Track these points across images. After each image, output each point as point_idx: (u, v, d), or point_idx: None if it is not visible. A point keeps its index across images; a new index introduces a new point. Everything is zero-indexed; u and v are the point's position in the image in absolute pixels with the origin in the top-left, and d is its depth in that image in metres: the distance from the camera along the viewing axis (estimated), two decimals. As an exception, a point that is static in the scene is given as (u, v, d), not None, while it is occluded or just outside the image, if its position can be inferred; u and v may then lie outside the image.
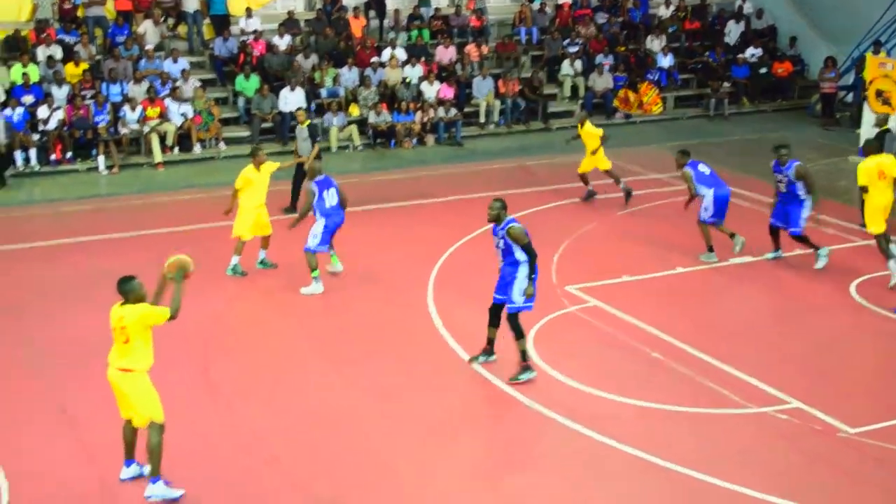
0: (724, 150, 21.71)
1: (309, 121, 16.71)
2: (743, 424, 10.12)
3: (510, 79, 24.49)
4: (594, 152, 17.72)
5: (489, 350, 11.14)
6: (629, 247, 15.43)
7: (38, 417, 10.05)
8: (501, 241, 10.68)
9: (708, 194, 14.75)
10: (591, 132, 17.81)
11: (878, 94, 20.44)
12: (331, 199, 13.59)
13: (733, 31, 28.08)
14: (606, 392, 10.62)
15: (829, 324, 12.76)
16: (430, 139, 22.89)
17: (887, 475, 9.21)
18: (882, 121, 18.31)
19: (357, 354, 11.63)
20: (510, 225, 10.60)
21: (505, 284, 10.74)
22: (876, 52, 23.24)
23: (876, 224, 13.68)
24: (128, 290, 8.45)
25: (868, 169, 13.65)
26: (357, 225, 15.94)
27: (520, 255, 10.60)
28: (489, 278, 10.97)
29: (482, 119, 24.02)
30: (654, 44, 26.90)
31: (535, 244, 10.66)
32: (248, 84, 22.40)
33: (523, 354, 10.81)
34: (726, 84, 26.40)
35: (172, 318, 8.37)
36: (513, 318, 10.71)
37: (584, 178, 17.93)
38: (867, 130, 17.90)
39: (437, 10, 26.44)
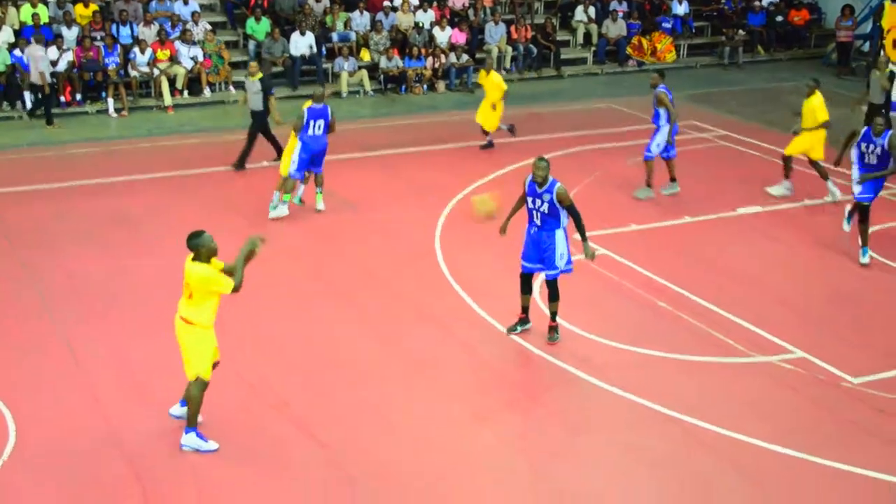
0: (738, 99, 21.56)
1: (261, 73, 16.35)
2: (748, 374, 10.16)
3: (523, 25, 24.27)
4: (494, 106, 17.36)
5: (525, 319, 10.77)
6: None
7: (47, 360, 10.11)
8: (546, 204, 10.09)
9: (665, 129, 14.72)
10: (495, 83, 17.43)
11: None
12: (316, 128, 13.88)
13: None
14: (612, 340, 10.65)
15: (836, 275, 12.72)
16: (440, 85, 22.75)
17: (889, 425, 9.24)
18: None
19: (364, 299, 11.67)
20: (558, 185, 10.10)
21: (541, 252, 10.33)
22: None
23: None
24: (197, 244, 8.14)
25: None
26: (365, 170, 16.00)
27: (562, 217, 10.19)
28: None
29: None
30: (670, -10, 26.61)
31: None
32: (259, 27, 22.25)
33: (554, 315, 10.62)
34: (741, 32, 26.13)
35: (235, 290, 8.15)
36: (554, 283, 10.44)
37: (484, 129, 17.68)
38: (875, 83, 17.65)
39: (450, -47, 26.14)
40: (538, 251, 10.36)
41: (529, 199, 10.25)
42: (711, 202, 15.02)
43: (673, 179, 15.15)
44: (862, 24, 25.72)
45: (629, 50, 25.36)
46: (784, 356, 10.42)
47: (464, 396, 9.60)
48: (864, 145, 12.90)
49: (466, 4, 24.68)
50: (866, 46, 25.58)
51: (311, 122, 13.84)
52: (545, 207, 10.13)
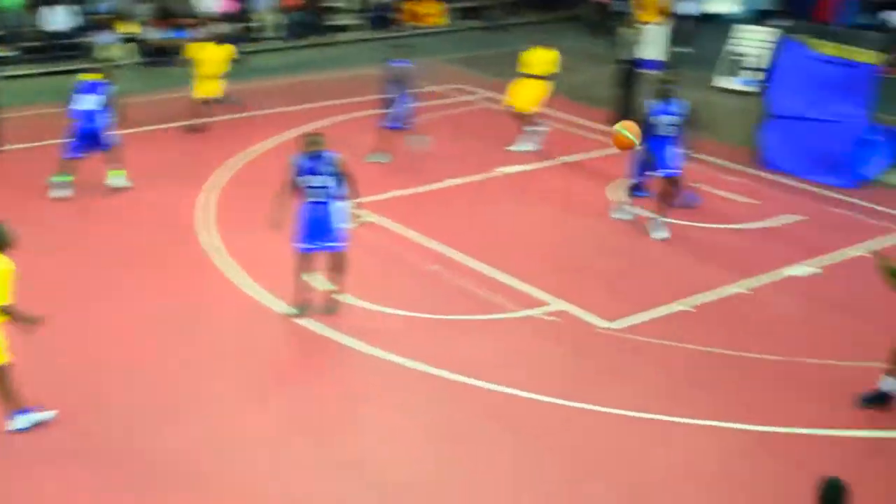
0: (504, 61, 22.12)
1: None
2: (512, 328, 10.60)
3: (293, -8, 24.14)
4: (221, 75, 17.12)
5: (308, 300, 10.60)
6: (399, 161, 15.56)
7: None
8: (326, 177, 10.05)
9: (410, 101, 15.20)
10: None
11: (643, 3, 21.18)
12: (83, 103, 13.39)
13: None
14: (383, 306, 10.85)
15: (596, 230, 13.38)
16: (210, 55, 22.29)
17: (642, 364, 9.89)
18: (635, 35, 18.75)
19: (129, 280, 11.41)
20: (335, 155, 10.10)
21: (324, 227, 10.20)
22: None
23: None
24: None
25: None
26: (132, 146, 15.52)
27: (340, 188, 10.17)
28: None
29: (266, 33, 23.59)
30: (435, -45, 27.01)
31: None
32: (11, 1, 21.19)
33: (337, 289, 10.65)
34: (506, -6, 26.88)
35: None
36: (341, 255, 10.46)
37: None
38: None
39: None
40: (321, 228, 10.27)
41: (306, 177, 10.15)
42: (474, 163, 15.48)
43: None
44: (616, -16, 26.88)
45: (399, 15, 25.60)
46: (547, 308, 10.94)
47: (239, 378, 9.55)
48: (653, 118, 12.65)
49: (232, -28, 24.26)
50: (620, 7, 26.74)
51: (80, 95, 13.35)
52: (325, 180, 10.12)
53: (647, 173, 13.09)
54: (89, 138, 13.57)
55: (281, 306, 10.75)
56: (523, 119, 16.05)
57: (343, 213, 10.35)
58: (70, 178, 13.80)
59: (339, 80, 20.54)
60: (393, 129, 15.33)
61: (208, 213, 13.45)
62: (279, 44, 23.42)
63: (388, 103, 15.23)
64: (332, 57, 22.92)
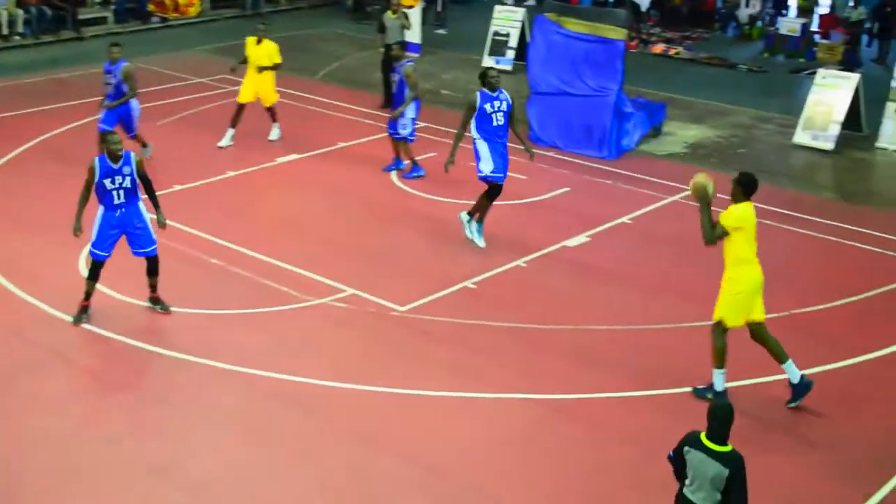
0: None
1: None
2: (304, 317, 10.57)
3: (31, -15, 22.85)
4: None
5: (88, 306, 10.22)
6: (176, 155, 15.18)
7: None
8: (128, 178, 9.77)
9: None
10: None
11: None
12: None
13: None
14: (177, 306, 10.53)
15: (376, 211, 13.53)
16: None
17: (431, 344, 10.09)
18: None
19: None
20: (134, 156, 9.83)
21: (133, 231, 10.00)
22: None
23: None
24: None
25: None
26: None
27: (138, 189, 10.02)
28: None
29: (4, 31, 22.26)
30: (184, -58, 26.30)
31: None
32: None
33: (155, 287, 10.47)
34: (261, -19, 26.54)
35: None
36: (156, 258, 10.28)
37: None
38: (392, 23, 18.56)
39: None
40: (131, 232, 10.03)
41: (107, 181, 9.76)
42: (251, 154, 15.27)
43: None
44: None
45: (151, 6, 24.80)
46: (337, 296, 10.96)
47: (22, 391, 9.09)
48: (488, 105, 11.83)
49: (-36, -35, 22.72)
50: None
51: None
52: (127, 182, 9.82)
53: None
54: None
55: (66, 314, 10.28)
56: (269, 111, 15.78)
57: (145, 213, 10.13)
58: None
59: (84, 78, 19.57)
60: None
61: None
62: (29, 40, 22.16)
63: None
64: (78, 53, 21.83)
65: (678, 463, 6.22)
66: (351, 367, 9.59)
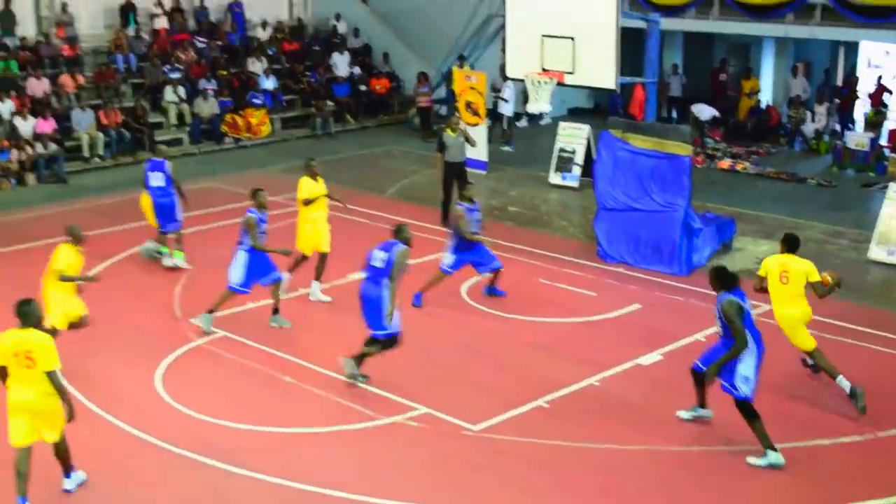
0: (334, 167, 22.34)
1: None
2: (376, 436, 10.52)
3: (111, 109, 23.66)
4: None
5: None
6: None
7: None
8: None
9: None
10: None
11: (468, 105, 21.90)
12: None
13: (338, 62, 28.47)
14: (241, 423, 10.59)
15: (447, 330, 13.53)
16: (30, 178, 21.57)
17: (504, 464, 9.97)
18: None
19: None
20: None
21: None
22: (460, 66, 24.93)
23: None
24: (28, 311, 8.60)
25: None
26: None
27: None
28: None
29: (86, 153, 23.04)
30: (256, 66, 27.19)
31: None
32: None
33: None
34: (329, 103, 27.17)
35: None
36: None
37: None
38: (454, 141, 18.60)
39: (23, 39, 24.98)
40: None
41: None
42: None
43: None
44: (437, 88, 27.70)
45: (224, 127, 25.52)
46: (408, 414, 10.92)
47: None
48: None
49: (48, 91, 23.65)
50: (444, 110, 27.52)
51: None
52: None
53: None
54: None
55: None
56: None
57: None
58: None
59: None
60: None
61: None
62: (108, 162, 22.91)
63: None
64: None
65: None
66: (422, 487, 9.49)
